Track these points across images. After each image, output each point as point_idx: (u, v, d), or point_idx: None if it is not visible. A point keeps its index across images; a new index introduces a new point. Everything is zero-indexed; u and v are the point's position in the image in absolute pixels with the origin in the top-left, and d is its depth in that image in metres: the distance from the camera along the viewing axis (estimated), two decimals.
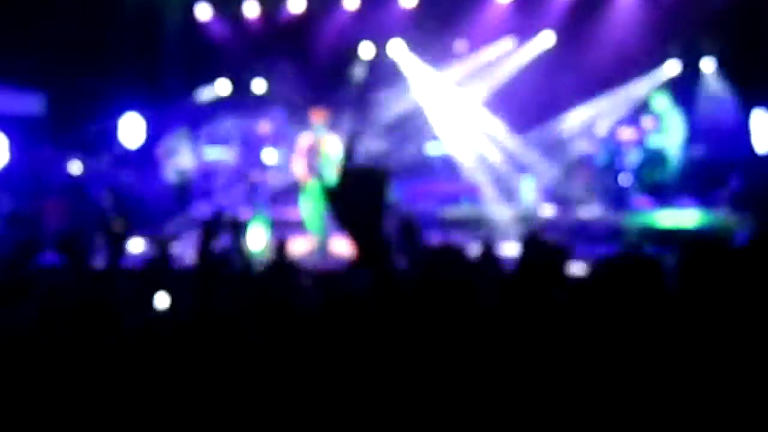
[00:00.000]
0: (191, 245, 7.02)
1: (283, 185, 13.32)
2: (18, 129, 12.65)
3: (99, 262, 5.69)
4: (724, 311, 3.79)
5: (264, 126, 14.34)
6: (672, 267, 4.41)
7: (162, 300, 5.38)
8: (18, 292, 4.69)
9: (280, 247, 7.54)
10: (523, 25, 14.93)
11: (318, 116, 11.81)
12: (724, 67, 14.07)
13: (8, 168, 12.38)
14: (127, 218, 11.47)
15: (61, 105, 13.68)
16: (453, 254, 4.40)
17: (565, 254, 4.41)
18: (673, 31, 14.45)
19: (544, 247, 4.38)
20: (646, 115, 13.35)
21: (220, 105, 15.17)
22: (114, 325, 4.20)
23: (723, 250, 4.43)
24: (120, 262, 5.48)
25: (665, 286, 3.87)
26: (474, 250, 5.72)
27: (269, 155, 13.58)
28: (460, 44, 15.74)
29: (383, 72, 15.61)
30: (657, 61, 14.41)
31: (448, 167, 14.71)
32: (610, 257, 4.10)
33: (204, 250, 5.32)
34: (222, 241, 6.28)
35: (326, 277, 6.18)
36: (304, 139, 11.80)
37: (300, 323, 4.13)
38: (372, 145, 14.12)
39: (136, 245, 9.86)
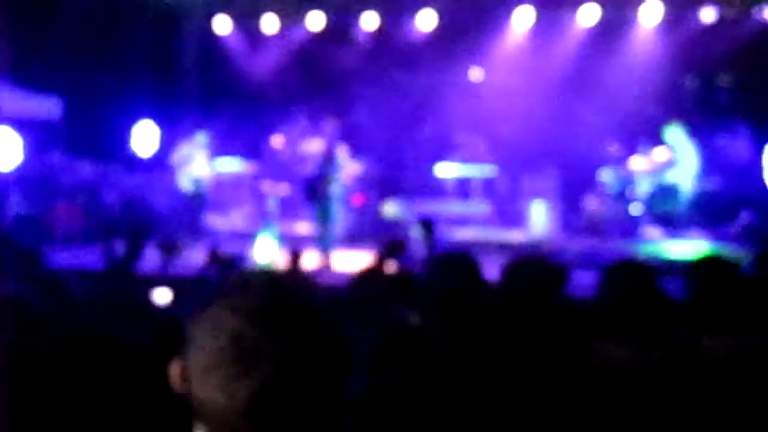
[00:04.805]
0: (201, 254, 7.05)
1: (294, 198, 13.38)
2: (33, 132, 12.68)
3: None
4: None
5: (277, 139, 14.46)
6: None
7: (162, 296, 5.39)
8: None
9: (294, 258, 7.48)
10: (539, 54, 14.96)
11: (330, 124, 11.93)
12: (738, 102, 14.15)
13: (21, 170, 12.41)
14: (138, 224, 11.50)
15: (76, 110, 13.72)
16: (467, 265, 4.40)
17: (558, 274, 4.36)
18: (689, 65, 14.57)
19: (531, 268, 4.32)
20: (659, 146, 13.33)
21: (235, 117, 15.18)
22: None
23: (732, 274, 4.44)
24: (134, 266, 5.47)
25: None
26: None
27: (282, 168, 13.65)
28: (474, 71, 15.84)
29: None
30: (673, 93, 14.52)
31: (459, 189, 14.74)
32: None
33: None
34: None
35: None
36: (315, 146, 11.86)
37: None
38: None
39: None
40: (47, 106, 13.64)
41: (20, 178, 12.49)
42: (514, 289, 4.21)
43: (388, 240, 5.70)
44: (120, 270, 4.80)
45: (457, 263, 4.32)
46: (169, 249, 9.78)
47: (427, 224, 5.43)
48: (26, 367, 3.04)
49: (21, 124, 12.31)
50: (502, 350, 3.68)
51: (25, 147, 12.38)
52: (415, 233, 5.69)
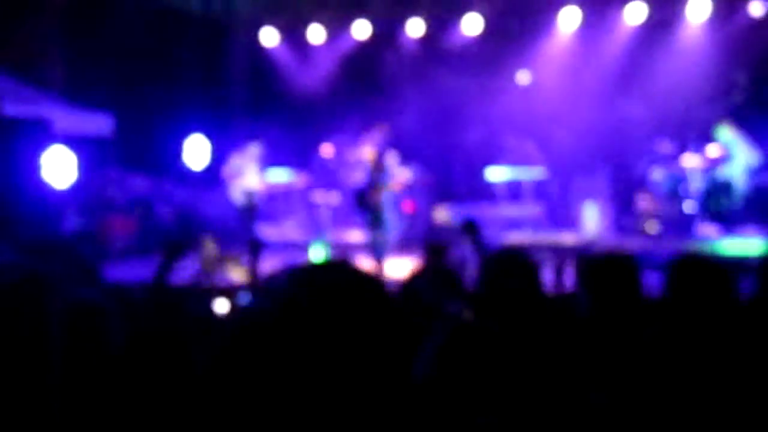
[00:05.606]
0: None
1: (345, 207, 13.42)
2: (87, 149, 12.85)
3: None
4: None
5: (326, 148, 14.51)
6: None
7: (222, 305, 5.44)
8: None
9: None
10: (586, 54, 14.90)
11: (379, 131, 11.94)
12: None
13: (76, 186, 12.58)
14: (188, 237, 11.60)
15: (128, 126, 13.88)
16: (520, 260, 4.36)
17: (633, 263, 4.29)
18: (739, 61, 14.41)
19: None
20: (712, 144, 13.19)
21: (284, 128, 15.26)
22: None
23: None
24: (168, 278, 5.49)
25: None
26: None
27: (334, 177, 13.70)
28: (522, 74, 15.80)
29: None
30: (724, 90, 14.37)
31: (510, 192, 14.69)
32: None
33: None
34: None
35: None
36: (364, 154, 11.88)
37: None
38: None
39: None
40: (100, 123, 13.80)
41: (75, 194, 12.65)
42: (601, 289, 4.14)
43: (430, 243, 5.63)
44: (155, 283, 4.82)
45: (513, 261, 4.28)
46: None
47: (470, 226, 5.37)
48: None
49: (75, 142, 12.47)
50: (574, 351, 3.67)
51: (79, 164, 12.54)
52: (462, 236, 5.62)
